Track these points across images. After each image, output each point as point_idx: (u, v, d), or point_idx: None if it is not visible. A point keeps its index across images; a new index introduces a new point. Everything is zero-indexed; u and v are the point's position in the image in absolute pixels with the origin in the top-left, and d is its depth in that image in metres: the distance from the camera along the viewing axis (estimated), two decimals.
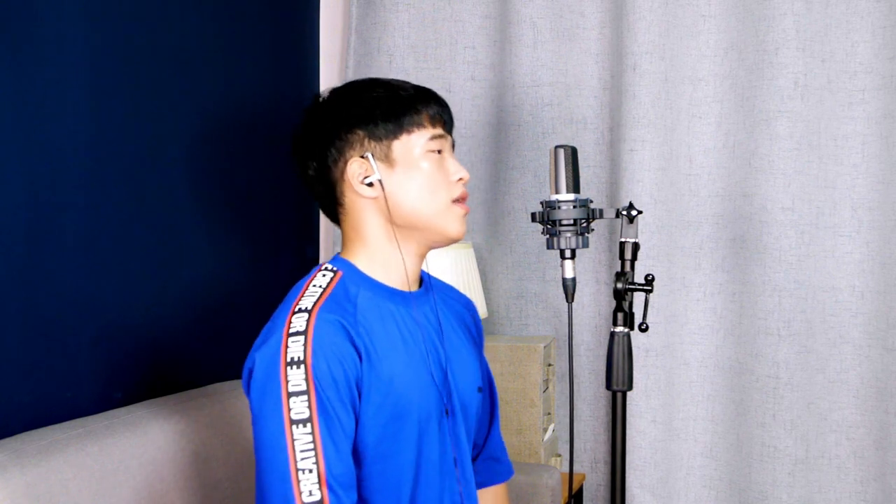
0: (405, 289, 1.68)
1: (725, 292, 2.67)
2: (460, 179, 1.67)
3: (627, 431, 2.34)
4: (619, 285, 1.66)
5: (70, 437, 1.72)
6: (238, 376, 2.30)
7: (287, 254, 2.73)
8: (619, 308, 1.67)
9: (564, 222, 1.68)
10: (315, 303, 1.56)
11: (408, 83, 1.68)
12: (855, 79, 2.57)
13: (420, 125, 1.64)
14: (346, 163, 1.64)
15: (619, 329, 1.66)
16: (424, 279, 1.75)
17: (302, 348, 1.51)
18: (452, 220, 1.66)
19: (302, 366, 1.50)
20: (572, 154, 1.71)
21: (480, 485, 1.89)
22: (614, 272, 2.02)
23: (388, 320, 1.62)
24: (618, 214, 1.69)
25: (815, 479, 2.62)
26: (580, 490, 2.72)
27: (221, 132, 2.42)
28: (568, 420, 2.49)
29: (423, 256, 1.70)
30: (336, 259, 1.68)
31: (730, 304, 2.67)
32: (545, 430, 2.62)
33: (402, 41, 2.85)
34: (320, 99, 1.70)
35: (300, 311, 1.55)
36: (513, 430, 2.58)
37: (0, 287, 1.78)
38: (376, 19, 2.86)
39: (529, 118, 2.79)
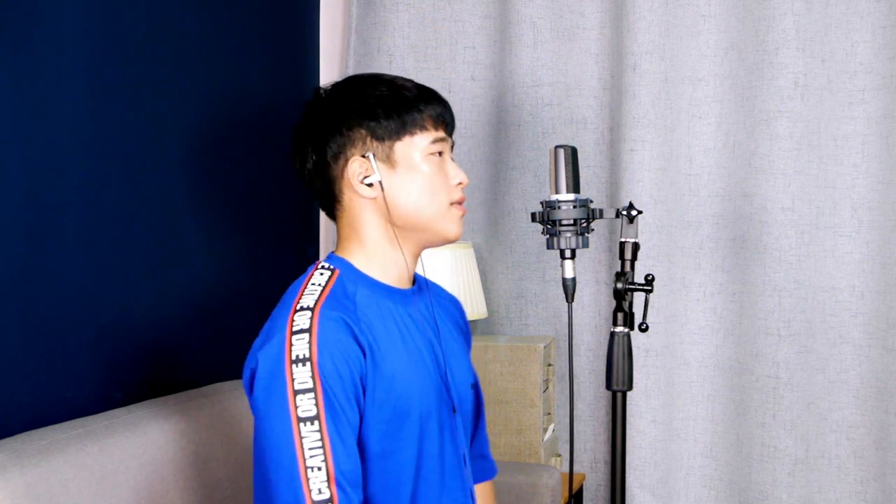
0: (401, 287, 1.68)
1: (725, 292, 2.67)
2: (459, 184, 1.67)
3: (627, 431, 2.34)
4: (619, 285, 1.66)
5: (70, 437, 1.72)
6: (238, 376, 2.30)
7: (287, 254, 2.73)
8: (619, 308, 1.67)
9: (564, 222, 1.68)
10: (317, 300, 1.56)
11: (410, 81, 1.68)
12: (855, 79, 2.57)
13: (423, 127, 1.64)
14: (346, 161, 1.63)
15: (619, 329, 1.66)
16: (417, 278, 1.75)
17: (307, 345, 1.50)
18: (451, 222, 1.66)
19: (308, 363, 1.49)
20: (572, 154, 1.71)
21: None
22: (614, 272, 2.02)
23: (388, 318, 1.62)
24: (618, 214, 1.69)
25: (815, 479, 2.62)
26: (580, 490, 2.72)
27: (221, 132, 2.42)
28: (568, 420, 2.48)
29: (418, 255, 1.70)
30: (332, 257, 1.68)
31: (730, 304, 2.67)
32: (545, 430, 2.62)
33: (402, 41, 2.85)
34: (322, 93, 1.69)
35: (302, 309, 1.55)
36: (513, 430, 2.58)
37: (0, 287, 1.78)
38: (376, 19, 2.85)
39: (529, 118, 2.79)
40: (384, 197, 1.63)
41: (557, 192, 1.70)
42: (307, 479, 1.46)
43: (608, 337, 1.67)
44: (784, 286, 2.60)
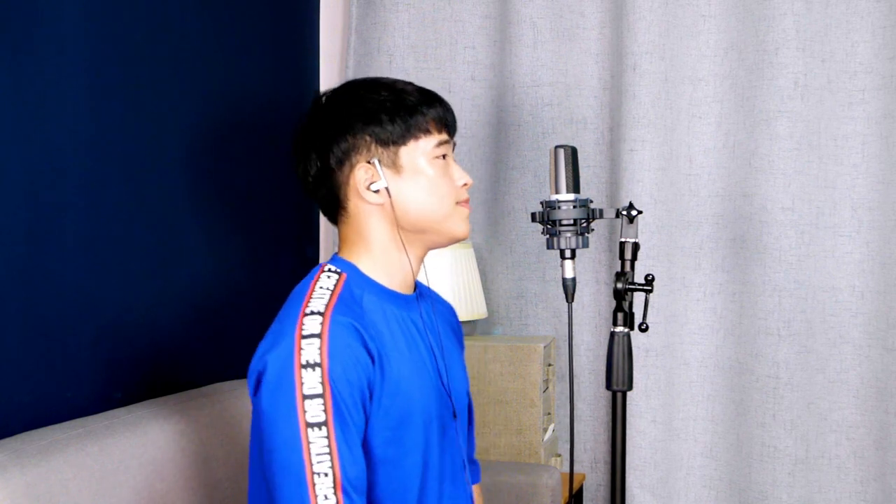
0: (405, 292, 1.67)
1: (725, 292, 2.67)
2: (465, 185, 1.67)
3: (627, 431, 2.34)
4: (619, 285, 1.66)
5: (70, 437, 1.72)
6: (238, 376, 2.30)
7: (287, 254, 2.73)
8: (619, 308, 1.67)
9: (564, 222, 1.68)
10: (326, 305, 1.55)
11: (410, 85, 1.67)
12: (855, 79, 2.57)
13: (427, 131, 1.63)
14: (351, 168, 1.62)
15: (619, 329, 1.66)
16: (416, 283, 1.75)
17: (317, 351, 1.50)
18: (458, 222, 1.66)
19: (318, 368, 1.49)
20: (572, 154, 1.71)
21: None
22: (614, 272, 2.02)
23: (393, 324, 1.61)
24: (618, 214, 1.69)
25: (815, 479, 2.62)
26: (580, 490, 2.72)
27: (221, 132, 2.42)
28: (568, 420, 2.49)
29: (423, 258, 1.70)
30: (337, 260, 1.66)
31: (730, 304, 2.67)
32: (545, 430, 2.62)
33: (402, 41, 2.85)
34: (322, 100, 1.68)
35: (312, 313, 1.54)
36: (513, 430, 2.58)
37: (0, 287, 1.78)
38: (376, 19, 2.85)
39: (529, 118, 2.79)
40: (391, 203, 1.62)
41: (557, 192, 1.70)
42: (314, 485, 1.46)
43: (608, 337, 1.67)
44: (784, 286, 2.60)
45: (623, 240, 1.69)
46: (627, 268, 1.69)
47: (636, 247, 1.70)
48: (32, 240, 1.85)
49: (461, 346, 1.84)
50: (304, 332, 1.51)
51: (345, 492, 1.46)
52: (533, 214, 1.71)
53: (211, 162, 2.38)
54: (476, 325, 2.84)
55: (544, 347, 2.61)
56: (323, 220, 2.90)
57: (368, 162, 1.61)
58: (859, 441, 2.59)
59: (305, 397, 1.48)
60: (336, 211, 1.67)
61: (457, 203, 1.66)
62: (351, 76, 2.85)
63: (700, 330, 2.69)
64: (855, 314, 2.58)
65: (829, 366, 2.60)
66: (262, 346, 1.56)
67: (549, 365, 2.69)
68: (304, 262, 2.80)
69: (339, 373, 1.49)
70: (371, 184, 1.62)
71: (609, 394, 1.96)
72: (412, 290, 1.70)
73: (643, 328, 1.66)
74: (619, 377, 1.65)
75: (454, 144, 1.70)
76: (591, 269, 2.75)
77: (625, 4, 2.66)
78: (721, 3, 2.64)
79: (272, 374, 1.51)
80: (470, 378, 2.57)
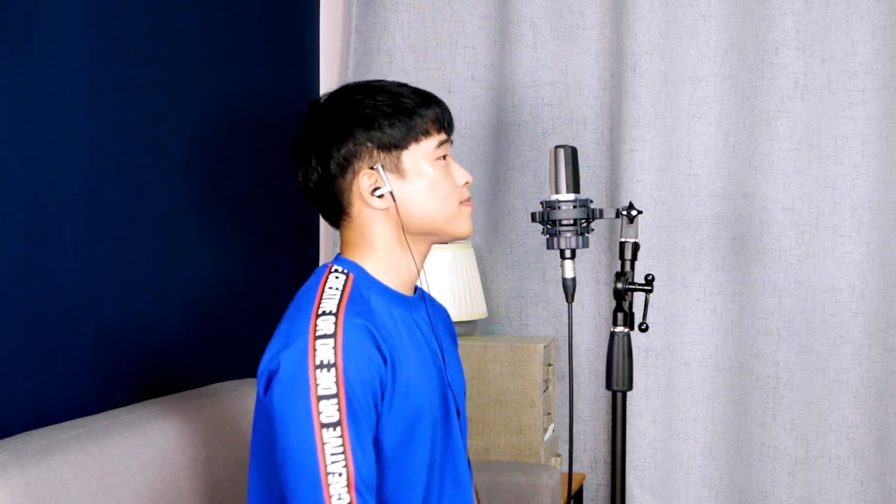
0: (407, 294, 1.68)
1: (725, 292, 2.67)
2: (466, 183, 1.68)
3: (627, 431, 2.34)
4: (619, 285, 1.66)
5: (70, 437, 1.72)
6: (238, 376, 2.30)
7: (287, 254, 2.73)
8: (619, 308, 1.67)
9: (564, 222, 1.68)
10: (338, 306, 1.55)
11: (406, 87, 1.67)
12: (855, 79, 2.57)
13: (427, 133, 1.63)
14: (354, 174, 1.62)
15: (619, 329, 1.66)
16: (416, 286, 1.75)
17: (332, 352, 1.50)
18: (462, 221, 1.67)
19: (333, 369, 1.49)
20: (572, 154, 1.71)
21: None
22: (614, 272, 2.02)
23: (400, 325, 1.62)
24: (618, 214, 1.69)
25: (815, 479, 2.62)
26: (580, 490, 2.72)
27: (221, 132, 2.42)
28: (568, 420, 2.49)
29: (426, 255, 1.70)
30: (342, 260, 1.66)
31: (730, 304, 2.67)
32: (545, 430, 2.62)
33: (402, 41, 2.85)
34: (319, 106, 1.67)
35: (325, 313, 1.53)
36: (513, 430, 2.58)
37: (0, 287, 1.78)
38: (376, 19, 2.85)
39: (529, 118, 2.79)
40: (395, 207, 1.62)
41: (557, 192, 1.70)
42: (328, 485, 1.46)
43: (608, 337, 1.67)
44: (784, 286, 2.60)
45: (623, 240, 1.69)
46: (627, 268, 1.69)
47: (636, 247, 1.70)
48: (32, 240, 1.85)
49: (456, 346, 1.85)
50: (319, 333, 1.51)
51: (358, 491, 1.47)
52: (533, 214, 1.71)
53: (211, 162, 2.38)
54: (476, 325, 2.84)
55: (544, 347, 2.61)
56: (323, 220, 2.89)
57: (372, 168, 1.61)
58: (859, 441, 2.59)
59: (320, 398, 1.48)
60: (338, 216, 1.67)
61: (460, 203, 1.66)
62: (351, 76, 2.85)
63: (700, 330, 2.69)
64: (855, 314, 2.58)
65: (829, 366, 2.60)
66: (274, 345, 1.55)
67: (549, 365, 2.69)
68: (304, 262, 2.80)
69: (353, 373, 1.50)
70: (375, 189, 1.62)
71: (609, 394, 1.96)
72: (414, 291, 1.70)
73: (643, 328, 1.66)
74: (619, 377, 1.65)
75: (451, 143, 1.70)
76: (591, 269, 2.75)
77: (625, 4, 2.66)
78: (721, 3, 2.64)
79: (285, 373, 1.51)
80: (470, 378, 2.57)
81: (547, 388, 2.65)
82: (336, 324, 1.52)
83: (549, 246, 1.70)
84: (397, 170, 1.62)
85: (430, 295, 1.84)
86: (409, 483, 1.59)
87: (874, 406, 2.57)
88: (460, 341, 2.56)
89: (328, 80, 2.92)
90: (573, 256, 1.69)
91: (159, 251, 2.19)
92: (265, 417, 1.55)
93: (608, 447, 2.76)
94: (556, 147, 1.70)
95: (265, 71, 2.64)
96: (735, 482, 2.67)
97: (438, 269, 2.58)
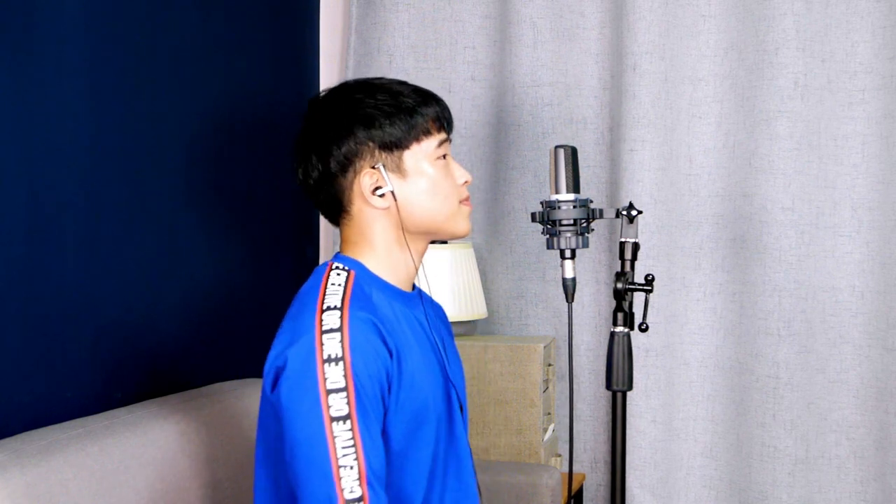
0: (406, 290, 1.68)
1: (725, 292, 2.67)
2: (465, 182, 1.68)
3: (627, 431, 2.34)
4: (619, 285, 1.66)
5: (70, 437, 1.72)
6: (238, 376, 2.30)
7: (287, 254, 2.73)
8: (619, 308, 1.67)
9: (564, 222, 1.68)
10: (342, 300, 1.56)
11: (405, 85, 1.67)
12: (855, 79, 2.57)
13: (427, 132, 1.64)
14: (355, 173, 1.62)
15: (619, 329, 1.66)
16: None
17: (339, 345, 1.51)
18: (461, 220, 1.68)
19: (341, 363, 1.50)
20: (572, 154, 1.71)
21: None
22: (614, 272, 2.02)
23: (401, 320, 1.63)
24: (618, 214, 1.69)
25: (815, 479, 2.62)
26: (580, 490, 2.72)
27: (221, 132, 2.42)
28: (568, 420, 2.49)
29: (424, 252, 1.71)
30: (343, 258, 1.67)
31: (730, 304, 2.67)
32: (545, 430, 2.62)
33: (402, 41, 2.85)
34: (318, 104, 1.68)
35: (330, 308, 1.54)
36: (513, 430, 2.58)
37: (0, 287, 1.78)
38: (376, 19, 2.85)
39: (529, 118, 2.79)
40: (396, 206, 1.63)
41: (557, 192, 1.70)
42: (340, 478, 1.47)
43: (608, 337, 1.67)
44: (784, 286, 2.60)
45: (623, 240, 1.69)
46: (627, 268, 1.69)
47: (636, 247, 1.70)
48: (32, 240, 1.85)
49: (453, 342, 1.86)
50: (325, 328, 1.52)
51: (369, 483, 1.48)
52: (533, 214, 1.71)
53: (211, 162, 2.38)
54: (476, 325, 2.84)
55: (544, 347, 2.61)
56: (323, 220, 2.89)
57: (373, 167, 1.62)
58: (859, 441, 2.59)
59: (329, 392, 1.49)
60: (338, 214, 1.68)
61: (459, 202, 1.67)
62: (351, 76, 2.85)
63: (700, 330, 2.69)
64: (855, 314, 2.58)
65: (829, 366, 2.60)
66: (279, 342, 1.56)
67: (549, 365, 2.69)
68: (304, 262, 2.80)
69: (361, 366, 1.51)
70: (376, 189, 1.62)
71: (609, 394, 1.96)
72: (412, 287, 1.71)
73: (643, 328, 1.67)
74: (619, 377, 1.65)
75: (451, 142, 1.71)
76: (591, 269, 2.75)
77: (625, 4, 2.66)
78: (721, 3, 2.64)
79: (293, 369, 1.51)
80: (470, 378, 2.57)
81: (547, 388, 2.65)
82: (342, 318, 1.53)
83: (549, 246, 1.70)
84: (398, 169, 1.62)
85: (424, 292, 1.85)
86: (413, 477, 1.60)
87: (874, 406, 2.57)
88: (460, 341, 2.56)
89: (328, 80, 2.92)
90: (573, 256, 1.69)
91: (159, 251, 2.19)
92: (272, 415, 1.55)
93: (608, 447, 2.76)
94: (556, 147, 1.71)
95: (265, 71, 2.64)
96: (735, 482, 2.67)
97: (438, 268, 2.58)
